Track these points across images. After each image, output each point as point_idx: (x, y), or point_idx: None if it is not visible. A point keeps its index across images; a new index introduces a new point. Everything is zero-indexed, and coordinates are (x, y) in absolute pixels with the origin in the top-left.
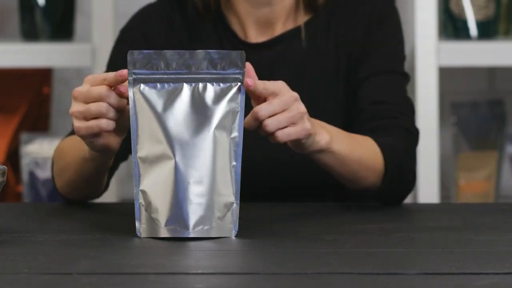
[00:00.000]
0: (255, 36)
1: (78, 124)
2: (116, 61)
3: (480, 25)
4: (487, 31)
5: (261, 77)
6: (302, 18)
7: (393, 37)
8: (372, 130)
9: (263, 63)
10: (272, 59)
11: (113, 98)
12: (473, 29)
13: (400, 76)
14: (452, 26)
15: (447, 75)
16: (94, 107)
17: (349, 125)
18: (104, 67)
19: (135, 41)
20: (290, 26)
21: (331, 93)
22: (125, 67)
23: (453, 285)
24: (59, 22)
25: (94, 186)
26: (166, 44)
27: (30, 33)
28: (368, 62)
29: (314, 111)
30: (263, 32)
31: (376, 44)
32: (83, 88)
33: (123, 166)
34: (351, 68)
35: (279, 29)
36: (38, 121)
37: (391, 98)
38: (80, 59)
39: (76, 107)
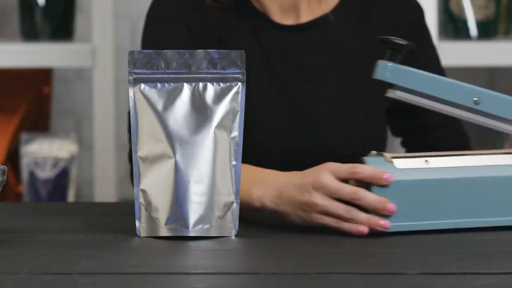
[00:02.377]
0: (279, 19)
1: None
2: (164, 42)
3: (480, 25)
4: (487, 31)
5: (293, 58)
6: (326, 2)
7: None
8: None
9: (296, 45)
10: (305, 42)
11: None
12: (473, 29)
13: None
14: (452, 26)
15: (447, 75)
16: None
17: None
18: (104, 67)
19: (177, 23)
20: (315, 9)
21: (366, 75)
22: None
23: (453, 285)
24: (59, 22)
25: None
26: (198, 29)
27: (30, 33)
28: None
29: (354, 95)
30: (287, 16)
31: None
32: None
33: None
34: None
35: (303, 13)
36: (38, 121)
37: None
38: (80, 59)
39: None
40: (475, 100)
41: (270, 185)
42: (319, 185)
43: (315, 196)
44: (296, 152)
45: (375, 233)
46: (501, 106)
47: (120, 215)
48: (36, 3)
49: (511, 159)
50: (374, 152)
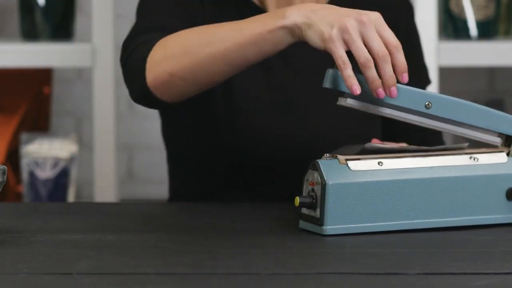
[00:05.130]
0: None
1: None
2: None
3: (480, 25)
4: (487, 31)
5: (287, 53)
6: None
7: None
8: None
9: None
10: None
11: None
12: (473, 29)
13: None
14: (452, 26)
15: (447, 75)
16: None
17: None
18: (104, 67)
19: None
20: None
21: None
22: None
23: (453, 285)
24: (59, 22)
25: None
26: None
27: (30, 33)
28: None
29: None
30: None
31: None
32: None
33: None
34: None
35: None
36: (38, 121)
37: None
38: (80, 59)
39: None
40: (426, 105)
41: (307, 6)
42: (362, 21)
43: (352, 24)
44: (286, 144)
45: (375, 233)
46: (452, 109)
47: (120, 215)
48: (36, 3)
49: (464, 159)
50: (327, 154)
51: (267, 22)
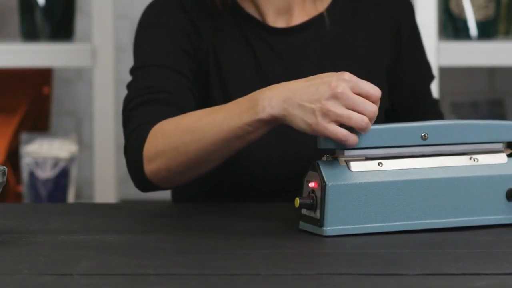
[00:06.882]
0: (273, 21)
1: (333, 128)
2: (159, 49)
3: (480, 25)
4: (487, 31)
5: (287, 62)
6: (322, 1)
7: (424, 52)
8: None
9: (289, 48)
10: (298, 44)
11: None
12: (473, 29)
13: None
14: (452, 26)
15: (447, 75)
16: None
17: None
18: (104, 67)
19: (172, 29)
20: (309, 9)
21: (365, 75)
22: (174, 53)
23: (453, 286)
24: (59, 22)
25: (212, 163)
26: (193, 36)
27: (30, 33)
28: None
29: None
30: (281, 17)
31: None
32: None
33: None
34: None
35: (297, 14)
36: (38, 121)
37: None
38: (80, 59)
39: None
40: (423, 136)
41: (276, 93)
42: (337, 95)
43: (331, 104)
44: (289, 156)
45: (375, 234)
46: (448, 133)
47: (120, 215)
48: (36, 3)
49: (464, 160)
50: (327, 155)
51: (242, 114)
